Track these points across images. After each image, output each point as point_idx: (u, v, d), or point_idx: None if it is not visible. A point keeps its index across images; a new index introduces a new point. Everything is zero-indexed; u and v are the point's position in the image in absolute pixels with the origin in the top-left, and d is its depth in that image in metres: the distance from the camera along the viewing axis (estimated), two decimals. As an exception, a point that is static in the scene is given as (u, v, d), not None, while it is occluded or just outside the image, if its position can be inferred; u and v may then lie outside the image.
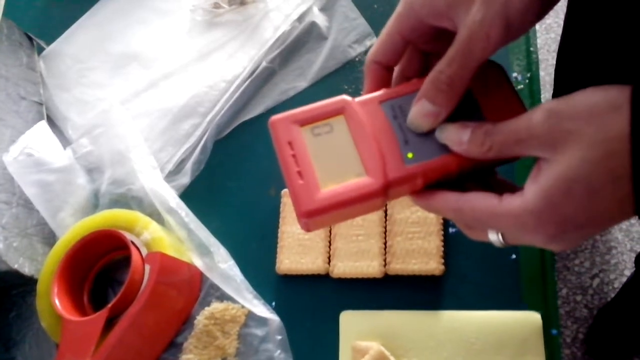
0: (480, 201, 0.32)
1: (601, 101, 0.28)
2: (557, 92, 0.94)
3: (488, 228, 0.33)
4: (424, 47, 0.37)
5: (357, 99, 0.36)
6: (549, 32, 1.46)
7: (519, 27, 0.32)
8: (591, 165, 0.28)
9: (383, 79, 0.37)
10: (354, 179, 0.34)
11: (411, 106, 0.34)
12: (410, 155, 0.34)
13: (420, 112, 0.34)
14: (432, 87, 0.33)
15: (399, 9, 0.35)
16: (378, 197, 0.34)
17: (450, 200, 0.33)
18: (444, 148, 0.34)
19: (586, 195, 0.28)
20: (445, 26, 0.33)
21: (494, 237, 0.33)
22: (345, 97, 0.36)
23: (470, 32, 0.31)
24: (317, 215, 0.34)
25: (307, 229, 0.35)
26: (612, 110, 0.27)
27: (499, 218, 0.31)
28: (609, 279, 1.22)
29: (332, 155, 0.35)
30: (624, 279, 1.20)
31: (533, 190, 0.30)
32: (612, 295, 1.19)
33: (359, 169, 0.34)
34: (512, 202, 0.30)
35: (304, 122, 0.36)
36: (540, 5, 0.32)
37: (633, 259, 1.15)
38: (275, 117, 0.37)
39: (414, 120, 0.34)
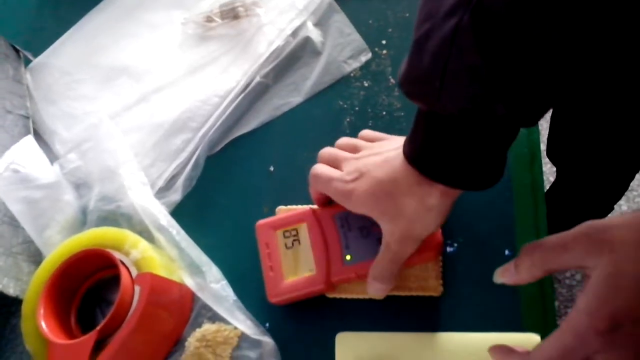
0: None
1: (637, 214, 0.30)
2: (553, 138, 0.93)
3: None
4: None
5: (319, 210, 0.49)
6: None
7: (427, 234, 0.42)
8: (637, 263, 0.29)
9: (324, 200, 0.49)
10: (307, 274, 0.47)
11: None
12: (349, 257, 0.47)
13: (373, 289, 0.45)
14: (379, 276, 0.44)
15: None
16: (323, 291, 0.48)
17: None
18: (374, 252, 0.44)
19: (636, 287, 0.29)
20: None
21: None
22: (310, 208, 0.49)
23: (396, 247, 0.42)
24: (280, 301, 0.48)
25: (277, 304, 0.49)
26: None
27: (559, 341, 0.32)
28: (598, 294, 1.22)
29: (294, 253, 0.48)
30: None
31: (583, 296, 0.31)
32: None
33: (311, 266, 0.47)
34: (568, 318, 0.32)
35: (278, 227, 0.49)
36: (444, 218, 0.41)
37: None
38: (259, 222, 0.49)
39: (372, 293, 0.46)
